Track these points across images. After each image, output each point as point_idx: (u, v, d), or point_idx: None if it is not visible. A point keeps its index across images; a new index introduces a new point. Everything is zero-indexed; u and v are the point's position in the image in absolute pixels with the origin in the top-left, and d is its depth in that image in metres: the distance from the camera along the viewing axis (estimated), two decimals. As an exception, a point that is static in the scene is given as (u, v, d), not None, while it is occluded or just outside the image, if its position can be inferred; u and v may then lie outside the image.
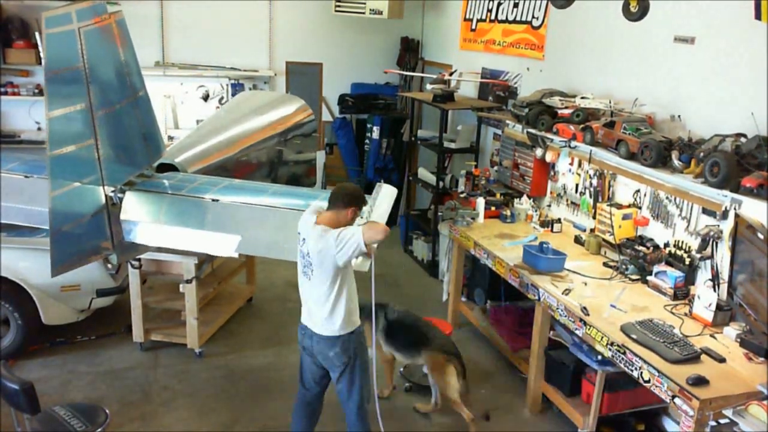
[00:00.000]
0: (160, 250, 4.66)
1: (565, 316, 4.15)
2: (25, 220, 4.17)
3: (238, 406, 4.74)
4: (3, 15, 7.43)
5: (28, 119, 7.87)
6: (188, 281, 5.08)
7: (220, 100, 8.17)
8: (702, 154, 3.94)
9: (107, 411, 3.65)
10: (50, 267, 3.36)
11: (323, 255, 3.47)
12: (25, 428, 3.40)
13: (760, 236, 3.50)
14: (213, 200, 3.81)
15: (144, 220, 3.78)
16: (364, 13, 8.01)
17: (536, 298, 4.49)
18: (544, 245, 4.82)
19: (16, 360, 5.08)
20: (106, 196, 3.55)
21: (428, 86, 7.01)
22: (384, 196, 3.79)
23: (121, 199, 3.65)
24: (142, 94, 3.84)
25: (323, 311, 3.61)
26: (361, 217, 3.65)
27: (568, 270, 4.63)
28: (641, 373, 3.52)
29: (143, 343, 5.37)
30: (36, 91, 7.72)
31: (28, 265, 5.00)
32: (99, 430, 3.49)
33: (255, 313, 6.21)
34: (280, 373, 5.20)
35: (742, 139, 3.86)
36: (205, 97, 8.39)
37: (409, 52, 8.94)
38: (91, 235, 3.58)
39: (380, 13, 7.91)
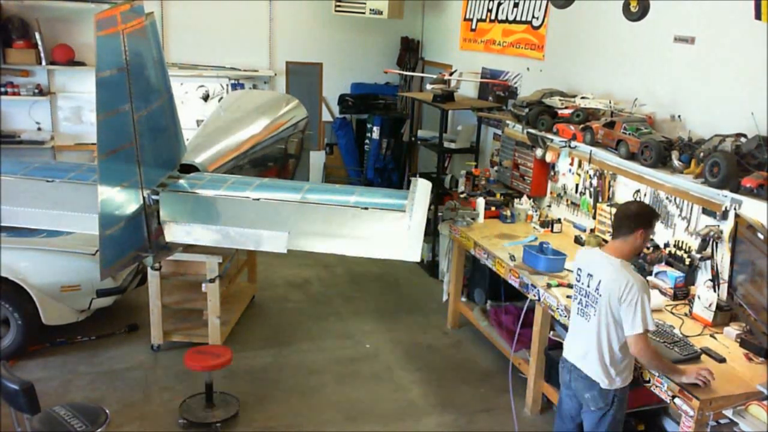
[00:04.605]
0: (186, 249, 4.68)
1: (565, 316, 4.15)
2: (50, 224, 4.17)
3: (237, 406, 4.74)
4: (3, 15, 7.43)
5: (28, 119, 7.87)
6: (211, 280, 5.11)
7: (219, 101, 8.17)
8: (702, 154, 3.94)
9: (107, 411, 3.65)
10: (99, 270, 3.39)
11: (613, 299, 3.28)
12: (25, 428, 3.40)
13: (760, 236, 3.50)
14: (254, 199, 3.82)
15: (186, 220, 3.80)
16: (364, 13, 8.00)
17: (536, 298, 4.49)
18: (544, 245, 4.82)
19: (16, 360, 5.08)
20: (143, 197, 3.57)
21: (428, 86, 7.01)
22: (421, 193, 3.78)
23: (155, 201, 3.67)
24: (170, 94, 3.87)
25: (594, 357, 3.41)
26: (403, 211, 3.55)
27: (568, 270, 4.63)
28: (641, 373, 3.52)
29: (160, 345, 5.37)
30: (36, 91, 7.72)
31: (28, 265, 5.01)
32: (99, 430, 3.49)
33: (255, 313, 6.21)
34: (280, 374, 5.20)
35: (742, 139, 3.86)
36: (205, 97, 8.40)
37: (409, 52, 8.94)
38: (131, 237, 3.59)
39: (380, 13, 7.91)
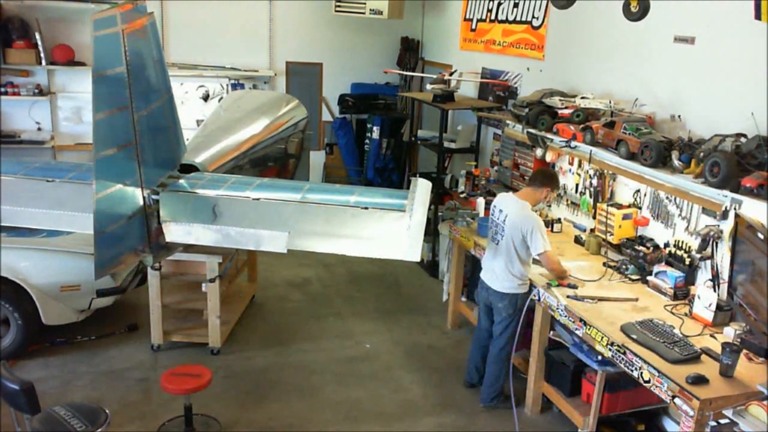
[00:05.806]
0: (186, 249, 4.67)
1: (565, 316, 4.15)
2: (51, 224, 4.17)
3: (238, 407, 4.74)
4: (3, 15, 7.44)
5: (28, 119, 7.88)
6: (211, 280, 5.13)
7: (219, 101, 8.18)
8: (702, 154, 3.94)
9: (107, 411, 3.65)
10: (94, 269, 3.37)
11: (515, 229, 4.39)
12: (25, 428, 3.40)
13: (760, 236, 3.50)
14: (254, 199, 3.81)
15: (186, 220, 3.79)
16: (364, 13, 8.00)
17: (536, 298, 4.49)
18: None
19: (16, 360, 5.08)
20: (143, 197, 3.56)
21: (428, 86, 7.01)
22: (421, 193, 3.78)
23: (155, 201, 3.66)
24: (170, 94, 3.87)
25: (502, 272, 4.50)
26: (403, 211, 3.66)
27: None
28: (641, 373, 3.52)
29: (160, 345, 5.37)
30: (36, 91, 7.73)
31: (28, 265, 5.01)
32: (99, 430, 3.49)
33: (255, 313, 6.21)
34: (281, 374, 5.20)
35: (742, 139, 3.86)
36: (205, 97, 8.40)
37: (409, 52, 8.94)
38: (129, 237, 3.59)
39: (380, 13, 7.91)
